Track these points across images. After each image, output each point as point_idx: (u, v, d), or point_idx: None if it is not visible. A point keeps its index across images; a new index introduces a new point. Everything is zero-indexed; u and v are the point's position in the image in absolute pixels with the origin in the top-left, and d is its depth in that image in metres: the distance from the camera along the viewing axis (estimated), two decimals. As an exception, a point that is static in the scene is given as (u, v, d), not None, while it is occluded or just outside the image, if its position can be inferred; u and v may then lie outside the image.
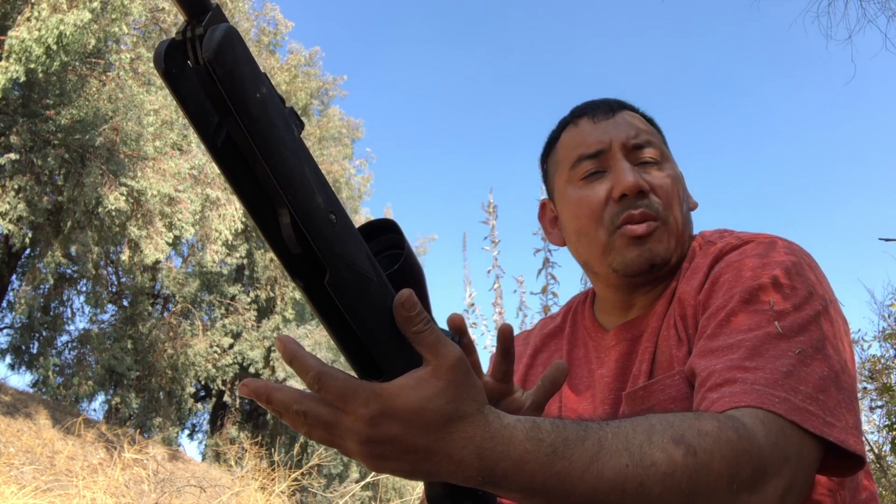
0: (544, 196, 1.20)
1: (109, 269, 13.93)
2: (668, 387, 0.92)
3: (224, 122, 0.55)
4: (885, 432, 4.43)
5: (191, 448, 20.87)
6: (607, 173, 1.03)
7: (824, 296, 0.88)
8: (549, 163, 1.14)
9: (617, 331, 1.05)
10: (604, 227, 1.02)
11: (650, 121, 1.12)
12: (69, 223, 11.10)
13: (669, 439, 0.66)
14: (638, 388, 0.96)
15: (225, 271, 15.51)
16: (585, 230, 1.04)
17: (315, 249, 0.56)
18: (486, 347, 4.67)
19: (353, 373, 0.63)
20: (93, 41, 9.90)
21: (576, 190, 1.06)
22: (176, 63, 0.53)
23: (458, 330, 0.76)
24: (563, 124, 1.12)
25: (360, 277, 0.58)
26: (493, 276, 4.75)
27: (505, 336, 0.84)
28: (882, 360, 4.53)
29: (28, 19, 9.27)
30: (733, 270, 0.92)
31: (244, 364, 15.54)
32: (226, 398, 16.91)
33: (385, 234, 0.67)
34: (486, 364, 0.93)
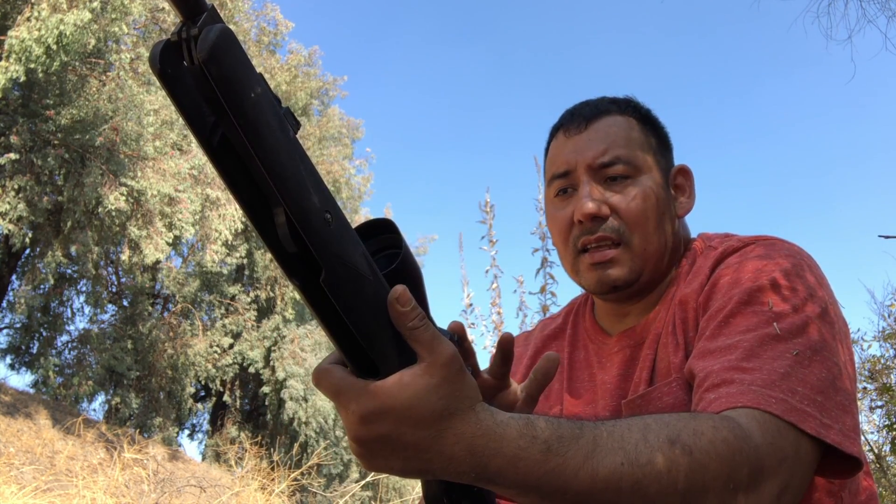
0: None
1: (109, 269, 13.94)
2: (666, 395, 0.92)
3: (219, 122, 0.55)
4: (884, 432, 4.43)
5: (191, 448, 20.86)
6: (576, 191, 1.04)
7: (824, 298, 0.88)
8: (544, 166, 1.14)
9: (620, 337, 1.05)
10: (570, 248, 1.04)
11: (644, 119, 1.07)
12: (69, 223, 11.10)
13: (665, 439, 0.66)
14: (636, 396, 0.96)
15: (225, 271, 15.52)
16: (558, 247, 1.08)
17: (310, 248, 0.56)
18: (485, 348, 4.67)
19: None
20: (93, 41, 9.90)
21: (550, 207, 1.08)
22: (171, 64, 0.53)
23: (459, 336, 0.77)
24: (553, 130, 1.12)
25: (355, 276, 0.58)
26: (490, 275, 4.74)
27: (505, 344, 0.85)
28: (882, 360, 4.53)
29: (28, 19, 9.27)
30: (733, 272, 0.92)
31: (244, 364, 15.54)
32: (226, 398, 16.90)
33: (382, 233, 0.67)
34: (483, 363, 0.93)
